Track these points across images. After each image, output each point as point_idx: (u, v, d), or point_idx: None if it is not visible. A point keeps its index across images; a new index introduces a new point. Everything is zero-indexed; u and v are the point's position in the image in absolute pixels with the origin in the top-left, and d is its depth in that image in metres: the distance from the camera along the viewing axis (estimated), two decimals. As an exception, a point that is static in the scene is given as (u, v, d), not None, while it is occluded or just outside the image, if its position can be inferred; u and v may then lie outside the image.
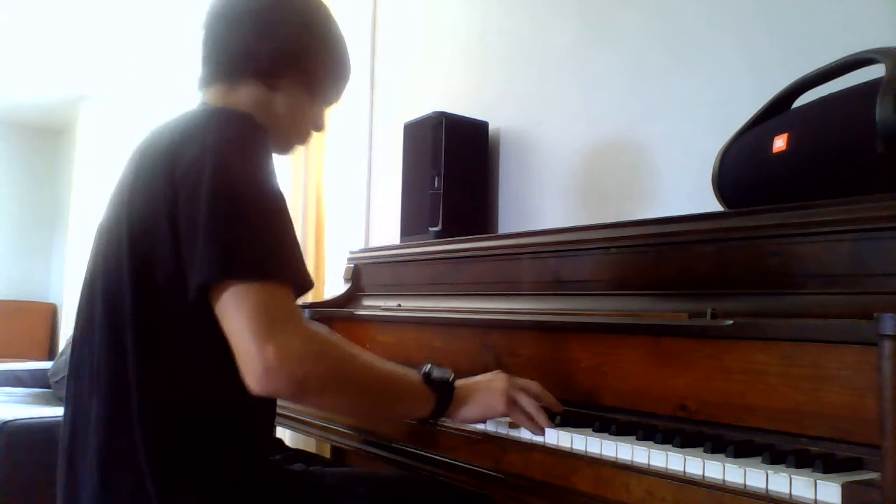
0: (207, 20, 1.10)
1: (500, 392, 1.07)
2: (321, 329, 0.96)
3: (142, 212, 0.94)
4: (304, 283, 0.94)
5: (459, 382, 1.08)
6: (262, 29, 1.07)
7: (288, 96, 1.10)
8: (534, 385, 1.11)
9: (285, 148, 1.17)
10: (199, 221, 0.88)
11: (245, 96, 1.08)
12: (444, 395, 1.05)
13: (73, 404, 1.02)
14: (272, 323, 0.87)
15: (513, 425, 1.08)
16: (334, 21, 1.18)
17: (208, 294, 0.90)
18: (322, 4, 1.18)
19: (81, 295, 1.05)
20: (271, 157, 0.97)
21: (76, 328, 1.05)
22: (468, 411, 1.07)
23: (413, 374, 1.05)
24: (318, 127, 1.20)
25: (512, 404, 1.07)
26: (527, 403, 1.07)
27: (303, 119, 1.15)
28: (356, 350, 0.99)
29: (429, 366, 1.07)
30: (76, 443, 1.00)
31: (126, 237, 0.95)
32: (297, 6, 1.12)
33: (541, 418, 1.05)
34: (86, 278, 1.05)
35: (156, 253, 0.92)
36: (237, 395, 0.95)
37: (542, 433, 1.04)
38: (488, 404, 1.07)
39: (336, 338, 0.98)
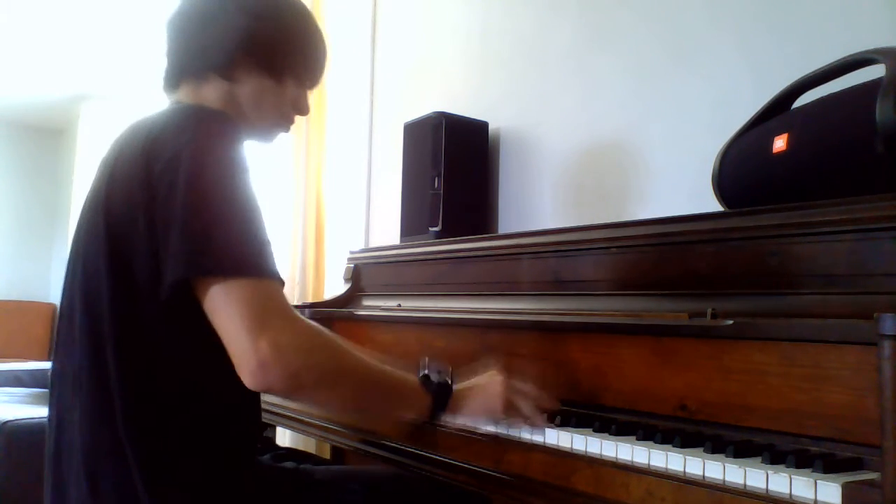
0: (166, 29, 1.11)
1: (498, 397, 1.07)
2: (314, 324, 0.96)
3: (119, 210, 0.94)
4: (282, 280, 0.94)
5: (457, 387, 1.07)
6: (208, 23, 1.08)
7: (249, 85, 1.09)
8: (530, 388, 1.10)
9: (265, 136, 1.16)
10: (176, 219, 0.89)
11: (211, 93, 1.08)
12: (440, 397, 1.04)
13: (57, 407, 1.01)
14: (265, 317, 0.87)
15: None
16: (285, 2, 1.15)
17: (190, 292, 0.90)
18: None
19: (62, 295, 1.05)
20: (244, 153, 0.97)
21: (58, 330, 1.04)
22: (466, 414, 1.07)
23: (410, 375, 1.04)
24: (301, 110, 1.17)
25: (510, 408, 1.07)
26: (524, 406, 1.06)
27: (274, 105, 1.12)
28: (351, 346, 0.98)
29: (426, 360, 1.06)
30: (61, 446, 0.99)
31: (104, 236, 0.95)
32: None
33: (537, 420, 1.05)
34: (66, 280, 1.05)
35: (133, 251, 0.92)
36: (220, 392, 0.97)
37: (540, 429, 1.04)
38: (486, 409, 1.07)
39: (330, 333, 0.97)
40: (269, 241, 0.94)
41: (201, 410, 0.96)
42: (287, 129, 1.19)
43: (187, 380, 0.95)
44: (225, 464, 0.99)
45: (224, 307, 0.88)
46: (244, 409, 1.03)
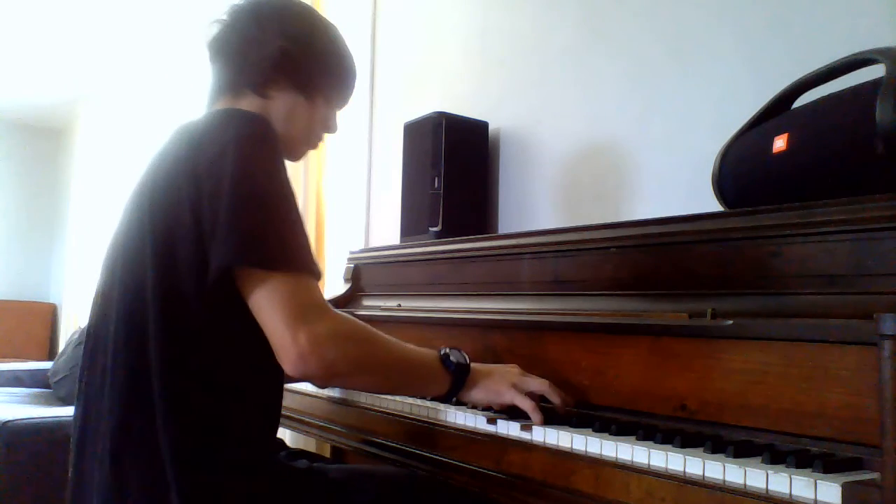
0: (207, 49, 1.17)
1: (507, 384, 1.13)
2: (348, 316, 1.02)
3: (164, 206, 0.99)
4: (320, 273, 1.01)
5: (475, 366, 1.14)
6: (246, 44, 1.14)
7: (282, 103, 1.16)
8: (539, 385, 1.13)
9: (294, 154, 1.23)
10: (222, 210, 0.93)
11: (246, 108, 1.12)
12: (458, 377, 1.11)
13: (85, 396, 1.05)
14: (303, 311, 0.94)
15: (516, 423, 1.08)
16: (320, 24, 1.22)
17: (234, 282, 0.95)
18: (305, 10, 1.22)
19: (98, 290, 1.09)
20: (281, 152, 1.03)
21: (89, 326, 1.09)
22: (476, 394, 1.13)
23: (432, 356, 1.12)
24: (329, 129, 1.26)
25: (518, 394, 1.12)
26: (521, 402, 1.11)
27: (305, 123, 1.20)
28: (380, 334, 1.06)
29: (447, 349, 1.13)
30: (86, 435, 1.02)
31: (149, 232, 0.99)
32: (278, 16, 1.17)
33: (535, 417, 1.08)
34: (103, 273, 1.10)
35: (178, 242, 0.96)
36: (252, 382, 1.03)
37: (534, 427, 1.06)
38: (495, 392, 1.13)
39: (361, 323, 1.04)
40: (307, 236, 1.00)
41: (234, 397, 1.00)
42: (315, 146, 1.26)
43: (223, 368, 0.99)
44: (249, 452, 1.02)
45: (266, 300, 0.94)
46: (271, 400, 1.08)
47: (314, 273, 0.99)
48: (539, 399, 1.13)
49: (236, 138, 0.97)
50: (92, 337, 1.07)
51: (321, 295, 0.99)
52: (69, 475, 1.05)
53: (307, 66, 1.17)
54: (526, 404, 1.10)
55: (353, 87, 1.27)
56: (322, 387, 1.43)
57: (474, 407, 1.21)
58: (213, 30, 1.17)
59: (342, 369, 0.99)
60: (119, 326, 1.00)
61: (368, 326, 1.04)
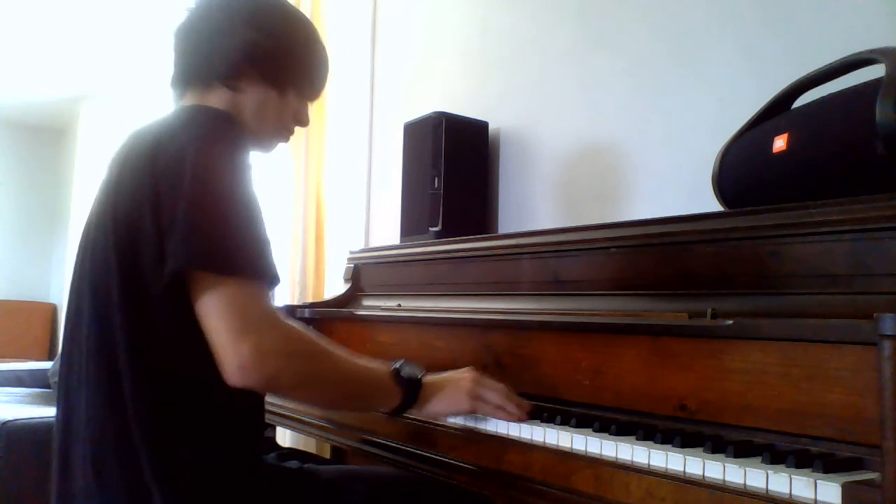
0: (173, 37, 1.14)
1: (465, 391, 1.12)
2: (295, 325, 0.99)
3: (126, 206, 0.97)
4: (275, 279, 0.97)
5: (428, 379, 1.12)
6: (215, 35, 1.11)
7: (252, 96, 1.12)
8: (494, 395, 1.12)
9: (264, 146, 1.19)
10: (179, 212, 0.91)
11: (215, 101, 1.10)
12: (410, 391, 1.09)
13: (65, 400, 1.03)
14: (248, 320, 0.91)
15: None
16: (291, 15, 1.19)
17: (187, 284, 0.92)
18: (276, 2, 1.18)
19: (70, 292, 1.08)
20: (246, 154, 1.00)
21: (66, 325, 1.07)
22: (434, 406, 1.12)
23: (383, 371, 1.09)
24: (301, 121, 1.21)
25: (477, 401, 1.11)
26: (492, 398, 1.10)
27: (275, 116, 1.15)
28: (329, 347, 1.02)
29: (401, 362, 1.11)
30: (69, 439, 1.00)
31: (112, 231, 0.97)
32: (247, 8, 1.13)
33: (511, 407, 1.08)
34: (74, 275, 1.08)
35: (140, 244, 0.94)
36: (225, 383, 0.98)
37: (522, 420, 1.06)
38: (453, 402, 1.12)
39: (310, 335, 1.01)
40: (268, 241, 0.97)
41: (209, 399, 0.98)
42: (286, 139, 1.22)
43: (194, 369, 0.97)
44: (232, 453, 1.01)
45: (212, 307, 0.91)
46: (249, 401, 1.05)
47: (268, 279, 0.95)
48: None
49: (197, 138, 0.95)
50: (68, 346, 1.05)
51: (270, 304, 0.96)
52: (53, 479, 1.03)
53: (278, 59, 1.13)
54: (489, 412, 1.10)
55: (326, 79, 1.23)
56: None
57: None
58: (181, 18, 1.13)
59: (284, 383, 0.96)
60: (90, 331, 0.98)
61: (317, 339, 1.01)
